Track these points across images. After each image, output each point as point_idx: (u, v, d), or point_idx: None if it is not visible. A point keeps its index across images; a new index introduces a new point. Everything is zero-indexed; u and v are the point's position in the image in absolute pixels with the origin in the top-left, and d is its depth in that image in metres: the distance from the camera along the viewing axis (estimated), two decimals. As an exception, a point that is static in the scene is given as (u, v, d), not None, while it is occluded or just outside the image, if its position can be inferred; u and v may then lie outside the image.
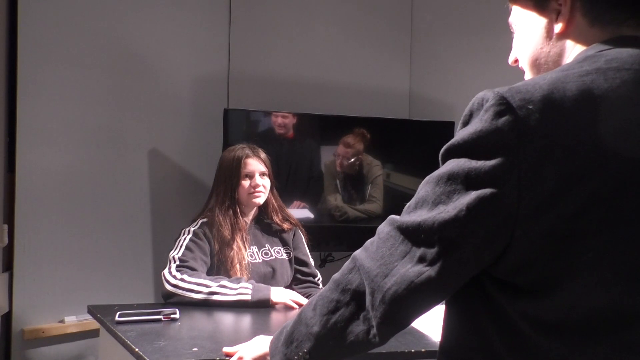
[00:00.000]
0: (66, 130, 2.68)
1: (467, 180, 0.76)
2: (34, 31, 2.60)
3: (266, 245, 2.28)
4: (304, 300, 2.05)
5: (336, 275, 0.93)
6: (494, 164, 0.74)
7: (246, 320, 1.93)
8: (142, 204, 2.87)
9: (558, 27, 0.86)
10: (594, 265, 0.74)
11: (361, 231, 3.12)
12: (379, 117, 3.14)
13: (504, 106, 0.74)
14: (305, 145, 3.11)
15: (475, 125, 0.76)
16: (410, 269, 0.81)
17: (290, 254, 2.30)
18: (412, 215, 0.83)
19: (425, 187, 0.82)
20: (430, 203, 0.80)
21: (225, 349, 1.44)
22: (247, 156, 2.23)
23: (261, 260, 2.23)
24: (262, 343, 1.27)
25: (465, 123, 0.80)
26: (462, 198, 0.76)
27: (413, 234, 0.81)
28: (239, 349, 1.37)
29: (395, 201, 3.15)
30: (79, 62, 2.70)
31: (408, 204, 0.85)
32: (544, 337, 0.76)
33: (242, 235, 2.20)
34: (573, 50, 0.86)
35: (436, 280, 0.79)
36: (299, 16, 3.19)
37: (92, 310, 1.90)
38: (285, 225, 2.31)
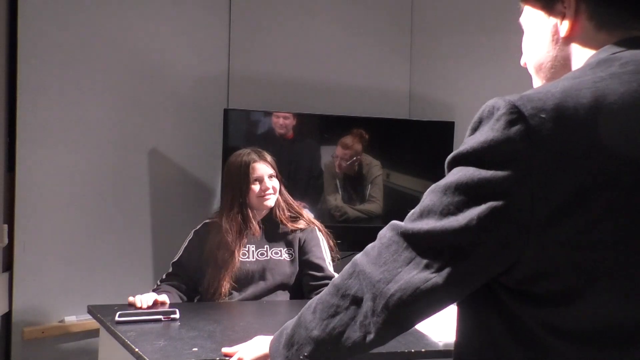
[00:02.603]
0: (66, 130, 2.69)
1: (478, 191, 0.74)
2: (34, 31, 2.60)
3: (265, 246, 2.28)
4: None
5: (336, 280, 0.93)
6: (505, 175, 0.72)
7: (246, 320, 1.93)
8: (142, 204, 2.87)
9: (564, 31, 0.85)
10: (612, 275, 0.72)
11: (361, 231, 3.12)
12: (378, 117, 3.14)
13: (515, 115, 0.72)
14: (305, 145, 3.11)
15: (486, 134, 0.74)
16: (415, 275, 0.79)
17: (292, 255, 2.29)
18: (417, 223, 0.81)
19: (431, 196, 0.81)
20: (438, 213, 0.78)
21: (225, 350, 1.44)
22: (254, 161, 2.26)
23: (254, 259, 2.24)
24: (262, 343, 1.27)
25: (474, 130, 0.78)
26: (473, 208, 0.74)
27: (419, 241, 0.80)
28: (238, 350, 1.37)
29: (395, 201, 3.15)
30: (79, 62, 2.70)
31: (412, 211, 0.84)
32: (562, 344, 0.75)
33: (244, 242, 2.22)
34: (581, 54, 0.85)
35: (443, 288, 0.78)
36: (299, 16, 3.19)
37: (92, 310, 1.90)
38: (290, 225, 2.30)
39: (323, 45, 3.23)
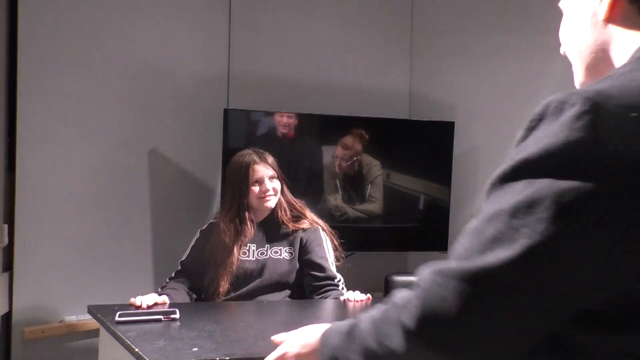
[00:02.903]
0: (66, 130, 2.69)
1: (560, 208, 0.61)
2: (34, 31, 2.60)
3: (266, 245, 2.28)
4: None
5: (376, 316, 0.79)
6: (593, 186, 0.60)
7: (246, 320, 1.93)
8: (142, 204, 2.87)
9: (602, 13, 0.78)
10: None
11: (361, 231, 3.12)
12: (378, 117, 3.14)
13: (597, 114, 0.61)
14: (305, 145, 3.11)
15: (560, 136, 0.62)
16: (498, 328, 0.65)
17: (292, 254, 2.29)
18: (482, 258, 0.65)
19: (495, 224, 0.65)
20: (512, 240, 0.63)
21: (274, 338, 1.35)
22: (255, 162, 2.25)
23: (254, 259, 2.25)
24: (310, 337, 1.13)
25: (532, 129, 0.66)
26: (555, 229, 0.61)
27: (491, 281, 0.64)
28: (284, 340, 1.27)
29: (395, 201, 3.14)
30: (79, 62, 2.70)
31: (460, 250, 0.69)
32: None
33: (241, 244, 2.22)
34: (623, 39, 0.77)
35: (523, 326, 0.66)
36: (299, 16, 3.19)
37: (92, 310, 1.90)
38: (292, 225, 2.29)
39: (323, 45, 3.23)
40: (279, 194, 2.28)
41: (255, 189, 2.24)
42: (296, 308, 2.11)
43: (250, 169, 2.24)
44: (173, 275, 2.26)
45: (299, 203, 2.37)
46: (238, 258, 2.21)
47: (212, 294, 2.19)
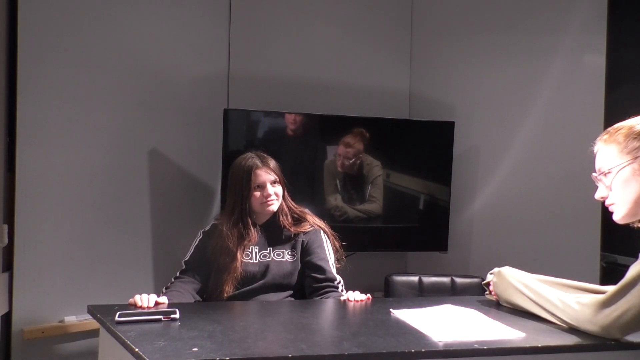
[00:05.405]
0: (66, 130, 2.69)
1: None
2: (34, 31, 2.60)
3: (268, 248, 2.27)
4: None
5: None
6: None
7: (246, 319, 1.93)
8: (142, 204, 2.87)
9: None
10: None
11: (361, 231, 3.12)
12: (379, 117, 3.14)
13: None
14: (305, 145, 3.11)
15: None
16: None
17: (294, 256, 2.29)
18: None
19: None
20: None
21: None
22: (257, 167, 2.24)
23: (257, 261, 2.24)
24: None
25: None
26: None
27: None
28: None
29: (395, 201, 3.15)
30: (79, 62, 2.70)
31: None
32: None
33: (245, 247, 2.22)
34: None
35: None
36: (299, 16, 3.19)
37: (92, 310, 1.90)
38: (294, 229, 2.29)
39: (323, 45, 3.23)
40: (281, 198, 2.28)
41: (257, 193, 2.23)
42: (296, 308, 2.11)
43: (253, 173, 2.23)
44: (178, 274, 2.24)
45: (299, 208, 2.37)
46: (242, 262, 2.20)
47: (217, 297, 2.19)
